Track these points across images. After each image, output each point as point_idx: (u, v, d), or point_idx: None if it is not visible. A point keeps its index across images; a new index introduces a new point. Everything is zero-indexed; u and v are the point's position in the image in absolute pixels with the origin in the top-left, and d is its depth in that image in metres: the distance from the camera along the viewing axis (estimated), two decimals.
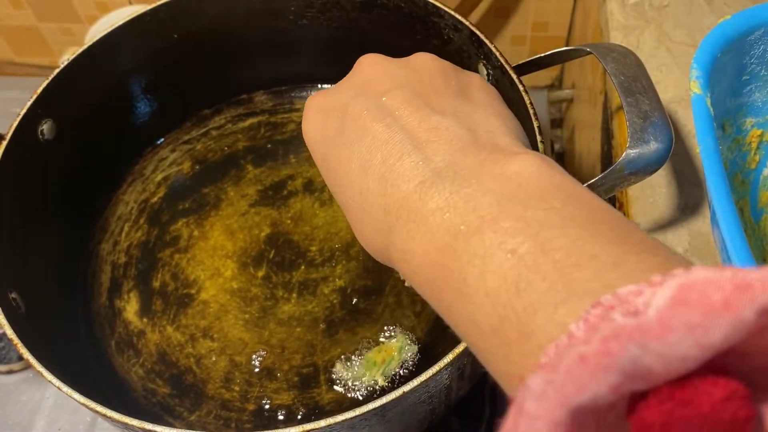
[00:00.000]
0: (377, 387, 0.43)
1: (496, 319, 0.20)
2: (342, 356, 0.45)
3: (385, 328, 0.45)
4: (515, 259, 0.21)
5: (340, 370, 0.44)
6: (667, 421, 0.14)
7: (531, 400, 0.15)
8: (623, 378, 0.14)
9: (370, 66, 0.32)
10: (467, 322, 0.22)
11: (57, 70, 0.46)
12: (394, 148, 0.27)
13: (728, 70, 0.38)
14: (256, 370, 0.45)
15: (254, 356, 0.45)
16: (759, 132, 0.41)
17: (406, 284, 0.44)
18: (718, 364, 0.14)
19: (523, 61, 0.44)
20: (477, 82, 0.33)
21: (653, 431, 0.14)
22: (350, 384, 0.44)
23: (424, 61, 0.32)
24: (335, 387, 0.44)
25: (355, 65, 0.33)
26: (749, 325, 0.13)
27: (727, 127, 0.40)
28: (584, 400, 0.14)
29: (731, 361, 0.14)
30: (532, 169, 0.24)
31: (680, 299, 0.14)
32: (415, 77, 0.31)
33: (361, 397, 0.43)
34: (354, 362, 0.44)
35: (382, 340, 0.45)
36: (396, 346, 0.44)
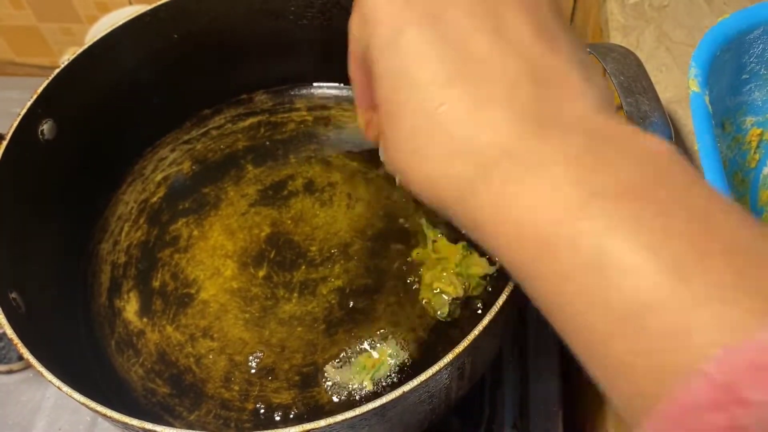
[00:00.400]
0: (364, 392, 0.43)
1: (623, 310, 0.18)
2: (334, 359, 0.45)
3: (380, 332, 0.45)
4: (657, 237, 0.18)
5: (330, 371, 0.44)
6: None
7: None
8: None
9: None
10: (589, 303, 0.19)
11: (57, 70, 0.46)
12: (506, 73, 0.22)
13: (728, 68, 0.38)
14: (256, 369, 0.45)
15: (251, 357, 0.45)
16: (759, 131, 0.41)
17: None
18: None
19: None
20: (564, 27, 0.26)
21: None
22: (338, 387, 0.44)
23: None
24: (325, 387, 0.44)
25: None
26: None
27: (727, 125, 0.40)
28: None
29: None
30: (666, 151, 0.21)
31: None
32: None
33: (346, 400, 0.43)
34: (345, 365, 0.44)
35: (376, 344, 0.45)
36: (387, 352, 0.44)
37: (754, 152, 0.41)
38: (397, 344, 0.44)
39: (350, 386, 0.44)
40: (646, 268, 0.18)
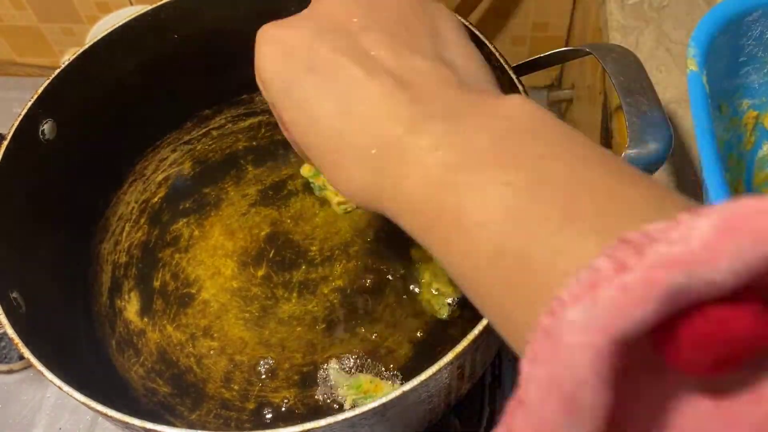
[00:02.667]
0: (339, 404, 0.43)
1: (492, 250, 0.21)
2: (343, 356, 0.45)
3: (384, 370, 0.45)
4: (512, 189, 0.21)
5: (333, 367, 0.44)
6: (705, 342, 0.14)
7: (571, 333, 0.15)
8: (666, 306, 0.14)
9: (334, 1, 0.30)
10: (462, 257, 0.22)
11: (58, 70, 0.46)
12: (377, 88, 0.26)
13: (725, 51, 0.38)
14: (257, 369, 0.45)
15: (262, 361, 0.45)
16: (755, 113, 0.41)
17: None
18: (756, 287, 0.15)
19: (523, 61, 0.44)
20: (444, 14, 0.31)
21: (690, 352, 0.15)
22: (327, 385, 0.44)
23: None
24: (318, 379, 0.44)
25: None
26: None
27: (724, 108, 0.40)
28: (627, 328, 0.14)
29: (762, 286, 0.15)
30: (525, 108, 0.24)
31: (727, 227, 0.14)
32: (384, 16, 0.29)
33: (320, 402, 0.44)
34: (348, 369, 0.44)
35: (384, 374, 0.44)
36: (383, 389, 0.44)
37: (750, 135, 0.41)
38: (396, 384, 0.43)
39: (336, 392, 0.44)
40: (491, 207, 0.21)
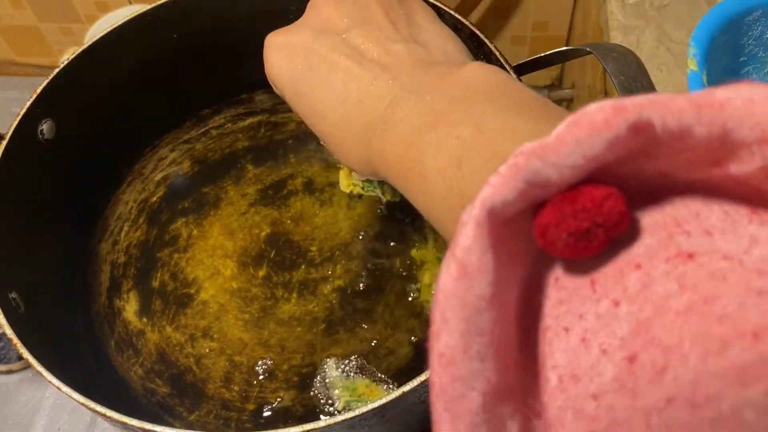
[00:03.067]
0: (329, 406, 0.43)
1: (444, 190, 0.25)
2: (342, 356, 0.45)
3: (382, 375, 0.44)
4: (458, 141, 0.25)
5: (331, 366, 0.44)
6: (559, 218, 0.17)
7: (464, 214, 0.18)
8: (528, 185, 0.17)
9: (325, 6, 0.35)
10: (424, 198, 0.27)
11: (57, 70, 0.46)
12: (367, 75, 0.31)
13: (726, 50, 0.38)
14: (256, 369, 0.45)
15: (261, 362, 0.45)
16: None
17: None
18: (599, 178, 0.18)
19: (523, 60, 0.44)
20: (417, 6, 0.37)
21: (549, 229, 0.18)
22: (324, 384, 0.44)
23: None
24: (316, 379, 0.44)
25: (308, 6, 0.37)
26: (622, 138, 0.17)
27: None
28: (497, 201, 0.17)
29: (608, 176, 0.18)
30: (479, 73, 0.28)
31: (573, 122, 0.17)
32: (367, 13, 0.35)
33: (320, 403, 0.43)
34: (346, 370, 0.44)
35: (383, 378, 0.44)
36: (378, 393, 0.44)
37: None
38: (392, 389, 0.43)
39: (331, 392, 0.44)
40: (444, 157, 0.26)
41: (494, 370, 0.18)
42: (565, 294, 0.18)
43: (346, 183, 0.52)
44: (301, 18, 0.37)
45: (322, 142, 0.36)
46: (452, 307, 0.17)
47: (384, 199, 0.51)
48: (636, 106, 0.17)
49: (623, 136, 0.17)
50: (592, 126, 0.17)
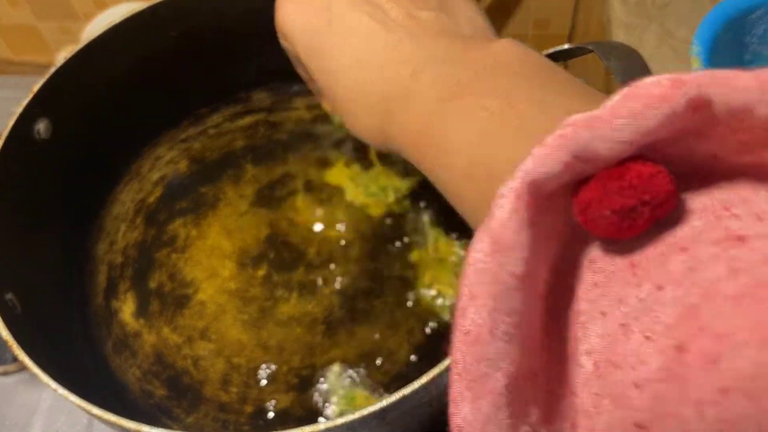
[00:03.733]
0: (324, 412, 0.43)
1: (467, 162, 0.24)
2: (346, 364, 0.44)
3: (383, 389, 0.44)
4: (487, 113, 0.24)
5: (335, 372, 0.44)
6: (603, 194, 0.17)
7: (502, 186, 0.17)
8: (574, 158, 0.17)
9: None
10: (445, 173, 0.26)
11: (53, 69, 0.45)
12: (391, 38, 0.30)
13: (730, 48, 0.38)
14: (255, 371, 0.45)
15: (260, 364, 0.45)
16: None
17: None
18: (646, 156, 0.17)
19: None
20: None
21: (592, 206, 0.17)
22: (323, 387, 0.44)
23: None
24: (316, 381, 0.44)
25: None
26: (679, 114, 0.16)
27: None
28: (540, 173, 0.17)
29: (656, 154, 0.17)
30: (512, 48, 0.27)
31: (628, 94, 0.16)
32: None
33: (319, 405, 0.43)
34: (350, 378, 0.44)
35: (377, 393, 0.44)
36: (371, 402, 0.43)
37: None
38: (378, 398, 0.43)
39: (328, 397, 0.43)
40: (469, 129, 0.24)
41: (520, 351, 0.17)
42: (601, 277, 0.18)
43: (353, 192, 0.51)
44: None
45: (325, 105, 0.34)
46: (482, 282, 0.17)
47: (389, 201, 0.50)
48: (695, 81, 0.16)
49: (680, 112, 0.16)
50: (649, 99, 0.16)
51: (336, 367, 0.44)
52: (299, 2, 0.33)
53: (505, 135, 0.23)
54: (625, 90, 0.17)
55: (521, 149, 0.20)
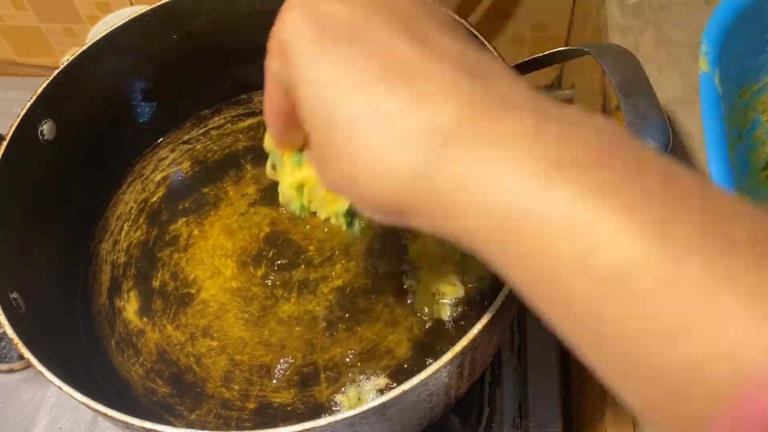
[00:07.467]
0: (325, 408, 0.44)
1: (606, 271, 0.18)
2: (348, 363, 0.45)
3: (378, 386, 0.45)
4: (621, 203, 0.18)
5: (335, 370, 0.44)
6: None
7: None
8: None
9: None
10: (546, 261, 0.19)
11: (57, 71, 0.46)
12: (441, 70, 0.22)
13: (748, 32, 0.36)
14: (257, 369, 0.45)
15: (262, 361, 0.45)
16: None
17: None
18: None
19: (522, 60, 0.44)
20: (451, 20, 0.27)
21: None
22: (324, 388, 0.44)
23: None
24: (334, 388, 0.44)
25: None
26: None
27: (746, 89, 0.39)
28: None
29: None
30: (618, 130, 0.21)
31: None
32: (434, 10, 0.25)
33: (320, 401, 0.44)
34: (350, 376, 0.44)
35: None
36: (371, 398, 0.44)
37: None
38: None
39: (331, 394, 0.44)
40: (625, 229, 0.18)
41: None
42: None
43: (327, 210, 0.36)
44: None
45: (311, 158, 0.26)
46: None
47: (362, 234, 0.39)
48: None
49: None
50: None
51: (337, 364, 0.45)
52: (311, 11, 0.25)
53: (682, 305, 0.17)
54: None
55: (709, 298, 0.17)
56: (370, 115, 0.22)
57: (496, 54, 0.28)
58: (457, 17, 0.30)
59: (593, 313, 0.18)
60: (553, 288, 0.19)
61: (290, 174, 0.34)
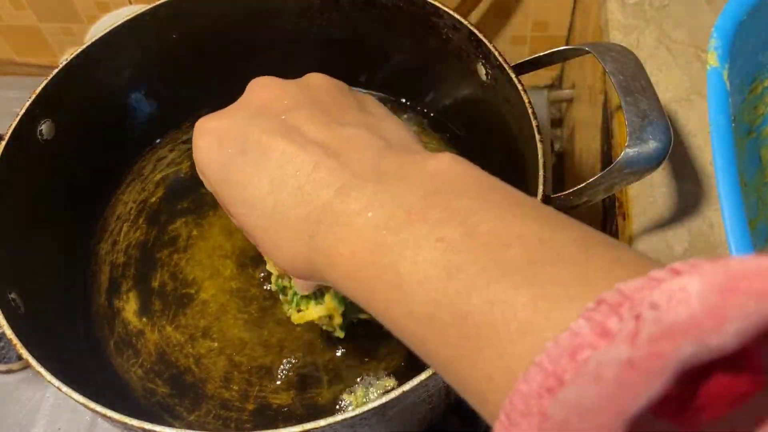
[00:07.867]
0: (325, 409, 0.44)
1: (431, 306, 0.21)
2: (347, 363, 0.44)
3: (378, 387, 0.45)
4: (444, 245, 0.21)
5: (334, 371, 0.44)
6: (704, 406, 0.14)
7: (579, 416, 0.14)
8: (676, 375, 0.14)
9: (264, 88, 0.32)
10: (402, 314, 0.23)
11: (56, 70, 0.46)
12: (308, 159, 0.27)
13: (761, 26, 0.35)
14: (257, 369, 0.45)
15: (261, 362, 0.45)
16: None
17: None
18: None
19: (523, 60, 0.44)
20: (371, 99, 0.34)
21: (693, 418, 0.14)
22: (323, 389, 0.44)
23: (318, 79, 0.33)
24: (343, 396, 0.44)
25: (246, 89, 0.34)
26: None
27: (758, 83, 0.38)
28: (640, 406, 0.14)
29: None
30: (451, 165, 0.25)
31: (729, 289, 0.14)
32: (313, 95, 0.31)
33: (320, 402, 0.44)
34: (350, 377, 0.44)
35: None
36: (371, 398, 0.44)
37: None
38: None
39: (331, 395, 0.44)
40: (426, 265, 0.21)
41: None
42: None
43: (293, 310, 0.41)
44: (237, 101, 0.33)
45: (251, 240, 0.31)
46: None
47: (330, 329, 0.42)
48: None
49: None
50: (761, 295, 0.13)
51: (337, 365, 0.45)
52: (212, 135, 0.31)
53: (470, 272, 0.20)
54: (719, 279, 0.14)
55: (496, 289, 0.19)
56: (269, 214, 0.28)
57: (371, 102, 0.33)
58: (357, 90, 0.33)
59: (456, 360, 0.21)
60: (402, 328, 0.23)
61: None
